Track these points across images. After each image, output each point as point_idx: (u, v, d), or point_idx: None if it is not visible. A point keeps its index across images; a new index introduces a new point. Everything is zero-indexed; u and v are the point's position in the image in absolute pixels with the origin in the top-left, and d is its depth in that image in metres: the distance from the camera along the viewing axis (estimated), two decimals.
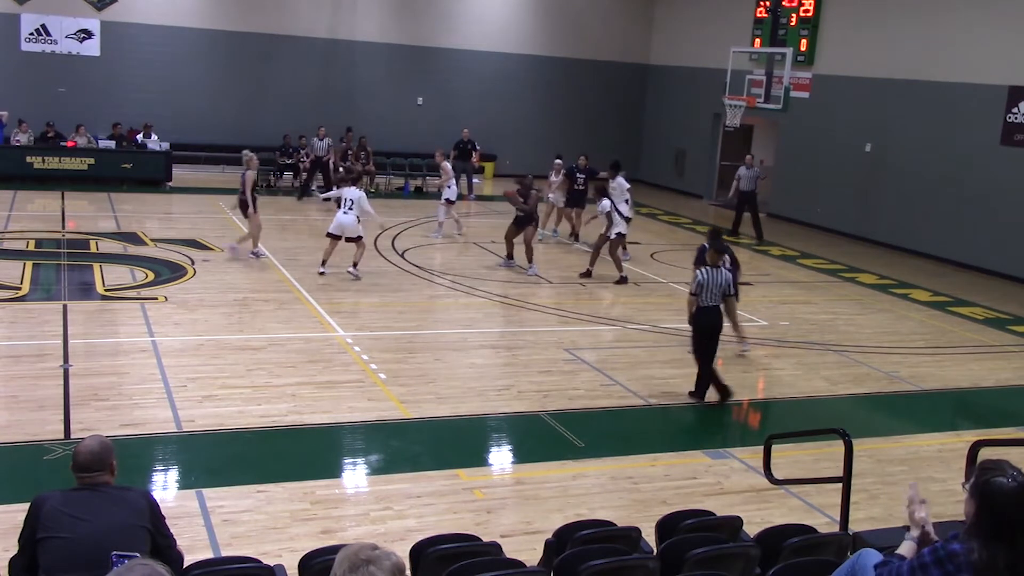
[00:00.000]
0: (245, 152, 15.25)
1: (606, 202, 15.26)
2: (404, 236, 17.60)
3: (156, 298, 12.18)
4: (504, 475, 8.05)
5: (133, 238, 15.65)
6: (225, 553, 6.11)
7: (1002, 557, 3.07)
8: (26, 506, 4.25)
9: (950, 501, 7.71)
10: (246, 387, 9.28)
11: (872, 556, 3.89)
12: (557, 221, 18.90)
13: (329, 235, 14.08)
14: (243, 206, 14.73)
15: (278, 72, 24.31)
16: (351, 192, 14.06)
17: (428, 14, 25.55)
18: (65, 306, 11.59)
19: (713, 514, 5.63)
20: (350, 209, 13.88)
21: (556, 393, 9.78)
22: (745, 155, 20.87)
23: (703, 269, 9.88)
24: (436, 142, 24.40)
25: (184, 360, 9.93)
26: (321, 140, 21.50)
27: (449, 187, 17.90)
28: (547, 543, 5.23)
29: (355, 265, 13.96)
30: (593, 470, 7.99)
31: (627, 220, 15.72)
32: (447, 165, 18.34)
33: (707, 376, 9.87)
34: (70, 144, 20.89)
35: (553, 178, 18.66)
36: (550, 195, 18.63)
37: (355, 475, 7.81)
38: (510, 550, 5.51)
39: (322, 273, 13.91)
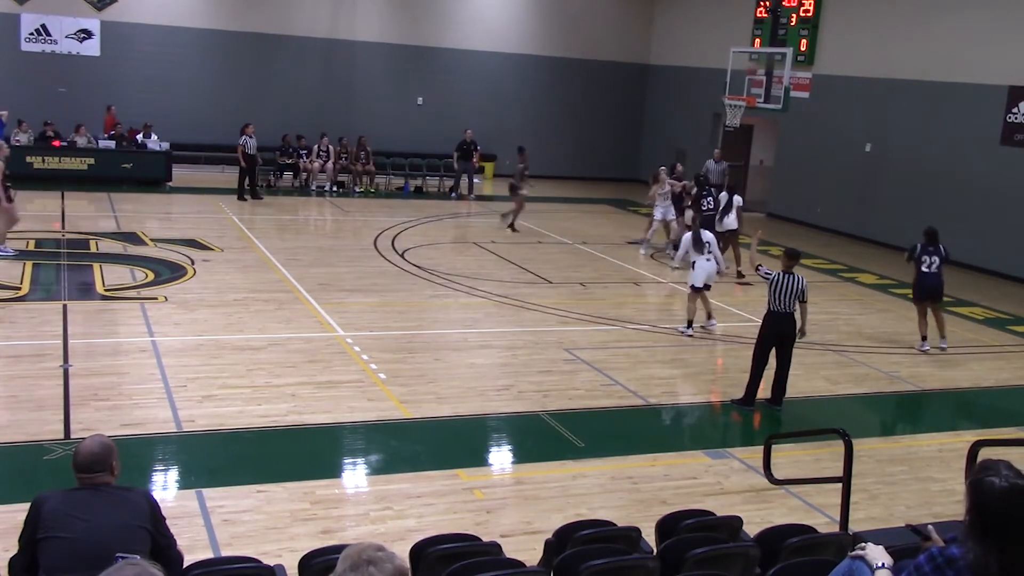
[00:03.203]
0: None
1: (737, 198, 15.90)
2: (404, 236, 17.60)
3: (156, 298, 12.18)
4: (504, 475, 8.05)
5: (133, 238, 15.65)
6: (225, 553, 6.11)
7: (994, 558, 3.03)
8: (26, 506, 4.25)
9: (950, 501, 7.72)
10: (246, 387, 9.28)
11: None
12: (668, 232, 17.97)
13: (695, 289, 12.31)
14: None
15: (278, 72, 24.32)
16: (709, 235, 12.66)
17: (428, 14, 25.55)
18: (65, 306, 11.59)
19: (713, 514, 5.63)
20: (710, 253, 12.40)
21: (556, 393, 9.77)
22: (714, 150, 21.56)
23: (777, 271, 9.69)
24: (436, 142, 24.49)
25: (184, 360, 9.93)
26: (251, 138, 20.19)
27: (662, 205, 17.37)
28: (547, 543, 5.23)
29: (709, 316, 12.58)
30: (593, 470, 7.98)
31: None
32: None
33: (756, 381, 9.76)
34: (58, 143, 20.91)
35: (663, 188, 17.58)
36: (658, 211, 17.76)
37: (355, 475, 7.81)
38: (510, 550, 5.50)
39: (692, 335, 12.18)
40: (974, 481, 3.15)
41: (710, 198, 16.24)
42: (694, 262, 12.40)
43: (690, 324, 12.26)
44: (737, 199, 16.25)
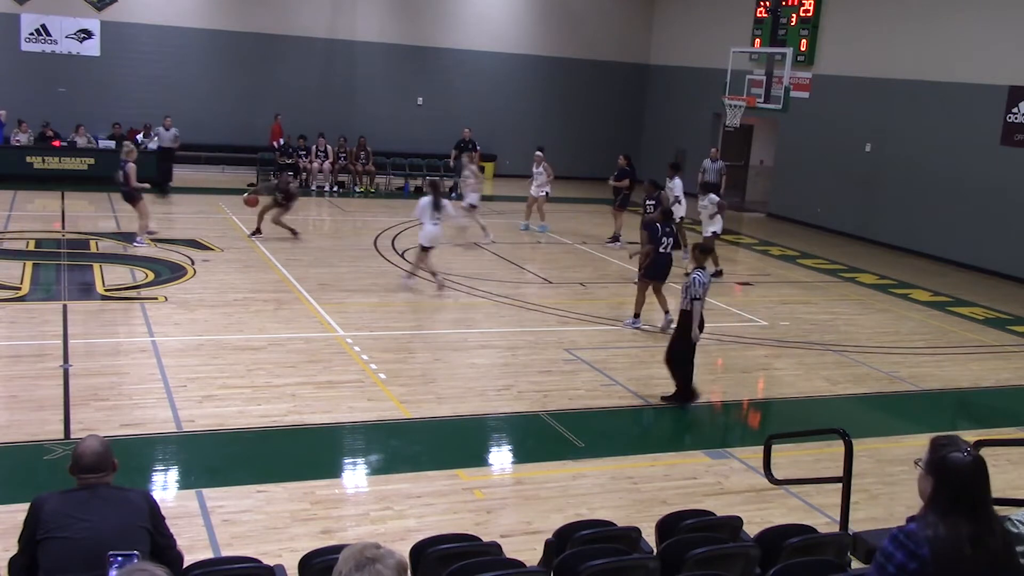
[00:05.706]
0: None
1: (712, 196, 16.03)
2: (404, 236, 17.59)
3: (156, 298, 12.18)
4: (504, 475, 8.05)
5: (133, 238, 15.63)
6: (225, 553, 6.11)
7: (964, 527, 3.14)
8: (26, 506, 4.25)
9: None
10: (246, 387, 9.27)
11: None
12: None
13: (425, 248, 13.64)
14: None
15: (278, 72, 24.30)
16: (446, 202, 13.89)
17: (428, 14, 25.55)
18: (65, 306, 11.58)
19: (713, 514, 5.63)
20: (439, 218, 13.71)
21: (556, 393, 9.77)
22: (710, 148, 21.83)
23: (704, 272, 9.64)
24: (436, 142, 24.48)
25: (184, 360, 9.93)
26: (167, 130, 20.66)
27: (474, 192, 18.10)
28: (547, 543, 5.23)
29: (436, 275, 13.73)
30: (593, 470, 7.98)
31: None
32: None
33: (689, 376, 9.69)
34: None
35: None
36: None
37: (355, 475, 7.81)
38: (510, 550, 5.50)
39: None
40: (937, 459, 3.25)
41: (650, 202, 16.44)
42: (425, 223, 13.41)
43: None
44: (678, 183, 16.98)
